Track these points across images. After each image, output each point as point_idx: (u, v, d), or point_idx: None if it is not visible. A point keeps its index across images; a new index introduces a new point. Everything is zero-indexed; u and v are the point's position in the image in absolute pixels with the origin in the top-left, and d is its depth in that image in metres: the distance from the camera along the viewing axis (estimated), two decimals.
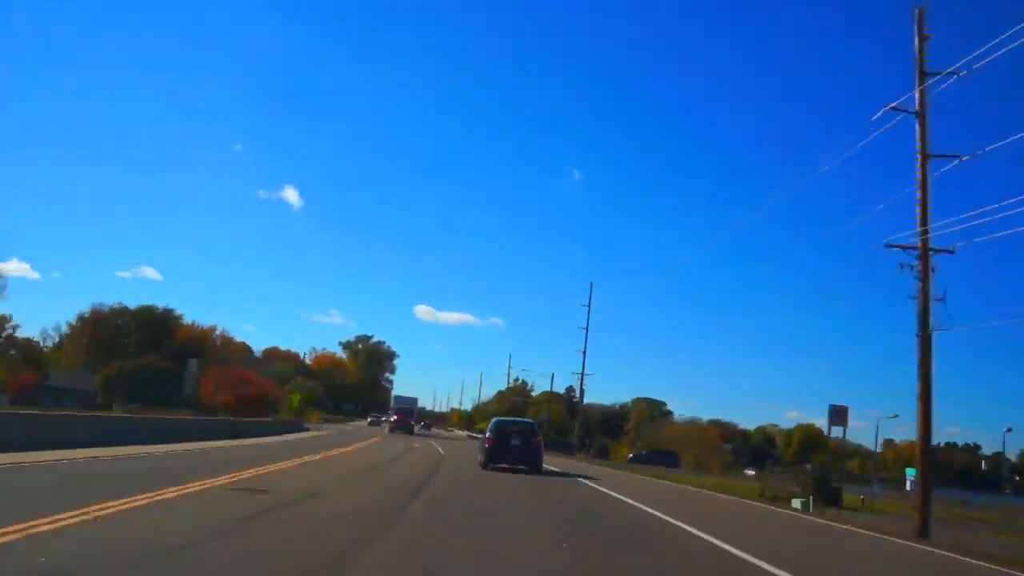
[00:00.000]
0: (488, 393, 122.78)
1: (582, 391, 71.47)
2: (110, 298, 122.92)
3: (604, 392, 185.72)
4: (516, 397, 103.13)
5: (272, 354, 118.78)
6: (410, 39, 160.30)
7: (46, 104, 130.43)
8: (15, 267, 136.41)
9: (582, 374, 66.26)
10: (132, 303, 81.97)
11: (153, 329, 78.94)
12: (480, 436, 30.81)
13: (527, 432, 24.40)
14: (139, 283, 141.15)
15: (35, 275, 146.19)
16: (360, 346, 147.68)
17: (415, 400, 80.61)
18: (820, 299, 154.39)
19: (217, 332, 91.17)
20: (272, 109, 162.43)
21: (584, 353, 64.70)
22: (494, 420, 27.30)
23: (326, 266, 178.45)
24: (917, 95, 17.81)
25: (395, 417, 64.90)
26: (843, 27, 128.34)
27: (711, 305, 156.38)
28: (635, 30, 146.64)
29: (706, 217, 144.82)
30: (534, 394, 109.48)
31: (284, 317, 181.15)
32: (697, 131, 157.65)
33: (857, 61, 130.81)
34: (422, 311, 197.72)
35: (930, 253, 17.48)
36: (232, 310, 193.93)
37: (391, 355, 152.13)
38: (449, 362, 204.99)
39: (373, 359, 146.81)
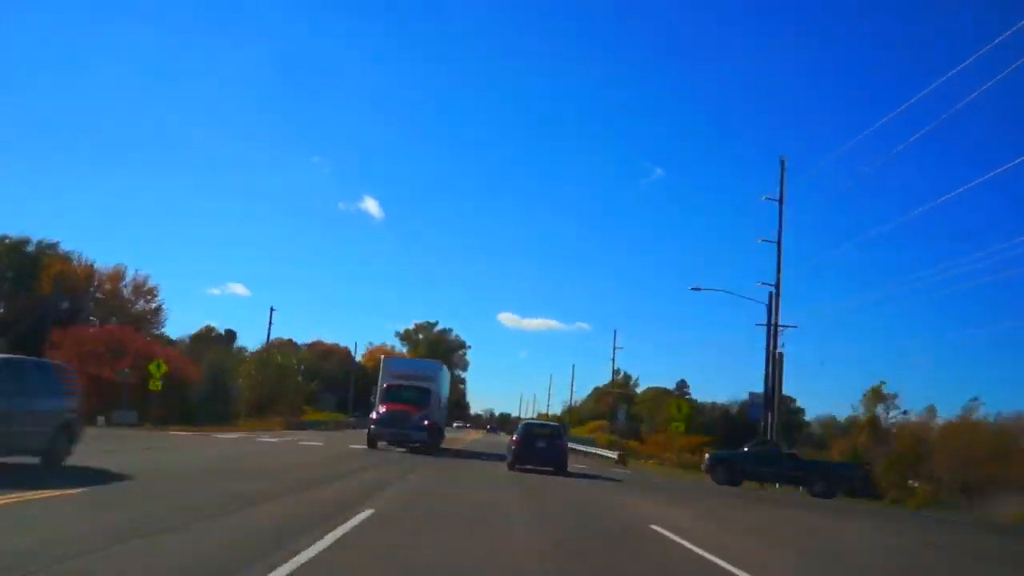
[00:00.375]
0: (583, 392, 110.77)
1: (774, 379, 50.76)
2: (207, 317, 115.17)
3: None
4: (617, 390, 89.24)
5: (314, 347, 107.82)
6: (481, 41, 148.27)
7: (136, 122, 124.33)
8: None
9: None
10: (223, 322, 69.37)
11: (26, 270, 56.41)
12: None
13: (553, 435, 25.62)
14: (228, 300, 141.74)
15: None
16: (420, 335, 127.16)
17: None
18: None
19: (127, 280, 59.80)
20: (347, 119, 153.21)
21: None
22: (522, 424, 29.14)
23: (409, 277, 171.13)
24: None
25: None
26: None
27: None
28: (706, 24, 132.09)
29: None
30: (638, 390, 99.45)
31: (374, 330, 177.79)
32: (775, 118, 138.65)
33: None
34: (506, 318, 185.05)
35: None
36: (323, 324, 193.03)
37: (460, 345, 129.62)
38: (536, 369, 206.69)
39: (437, 350, 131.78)
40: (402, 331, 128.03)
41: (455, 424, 79.65)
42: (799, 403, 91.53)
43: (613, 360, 74.52)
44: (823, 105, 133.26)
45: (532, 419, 33.27)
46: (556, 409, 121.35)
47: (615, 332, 78.14)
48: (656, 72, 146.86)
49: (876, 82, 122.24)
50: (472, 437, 71.09)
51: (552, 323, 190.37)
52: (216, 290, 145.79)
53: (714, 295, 54.11)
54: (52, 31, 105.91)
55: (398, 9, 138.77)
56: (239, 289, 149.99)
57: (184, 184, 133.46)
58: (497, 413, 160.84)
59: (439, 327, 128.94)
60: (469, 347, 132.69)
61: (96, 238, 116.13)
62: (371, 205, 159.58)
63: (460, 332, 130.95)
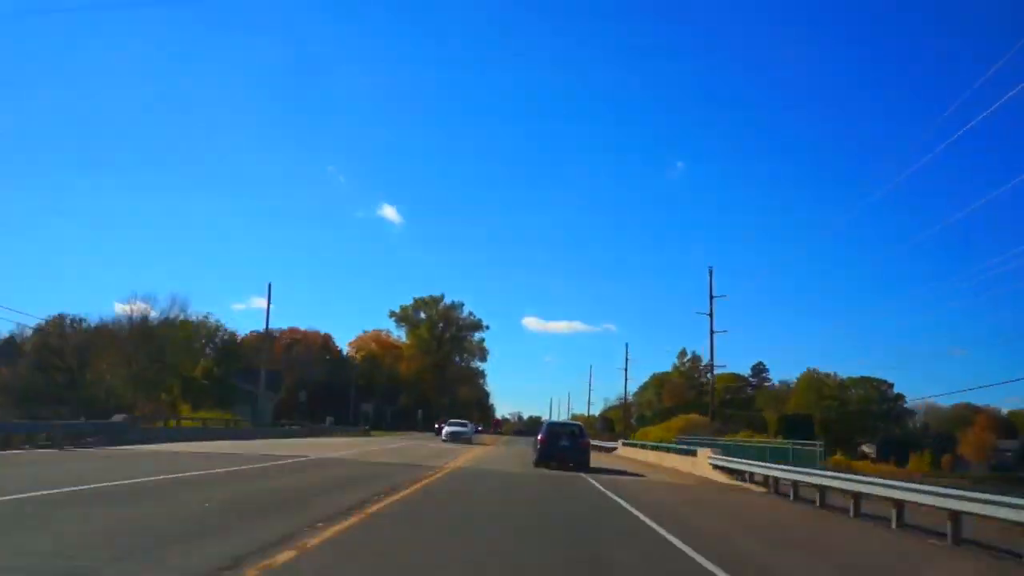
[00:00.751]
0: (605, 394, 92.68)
1: None
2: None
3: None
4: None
5: (290, 335, 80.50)
6: (494, 39, 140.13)
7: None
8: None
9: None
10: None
11: None
12: None
13: (576, 434, 26.46)
14: (254, 313, 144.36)
15: None
16: (422, 314, 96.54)
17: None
18: None
19: None
20: (362, 125, 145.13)
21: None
22: (545, 423, 30.67)
23: (430, 283, 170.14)
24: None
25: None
26: None
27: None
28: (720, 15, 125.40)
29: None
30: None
31: None
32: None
33: None
34: (531, 322, 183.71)
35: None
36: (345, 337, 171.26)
37: (475, 326, 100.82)
38: (564, 371, 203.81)
39: (445, 332, 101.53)
40: (398, 310, 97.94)
41: (447, 430, 49.62)
42: None
43: (711, 336, 44.98)
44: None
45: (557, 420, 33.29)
46: (596, 408, 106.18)
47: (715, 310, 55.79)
48: (680, 66, 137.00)
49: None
50: (471, 455, 32.42)
51: (578, 325, 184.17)
52: (241, 305, 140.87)
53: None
54: (54, 41, 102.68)
55: (409, 8, 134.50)
56: (262, 303, 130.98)
57: (200, 200, 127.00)
58: (526, 416, 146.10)
59: (446, 301, 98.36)
60: (487, 327, 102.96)
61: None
62: (390, 212, 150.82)
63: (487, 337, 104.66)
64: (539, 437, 26.00)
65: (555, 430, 26.58)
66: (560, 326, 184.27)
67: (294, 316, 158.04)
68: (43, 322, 47.69)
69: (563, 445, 25.12)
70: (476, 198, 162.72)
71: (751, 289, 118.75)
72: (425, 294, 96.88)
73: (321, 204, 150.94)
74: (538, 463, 24.73)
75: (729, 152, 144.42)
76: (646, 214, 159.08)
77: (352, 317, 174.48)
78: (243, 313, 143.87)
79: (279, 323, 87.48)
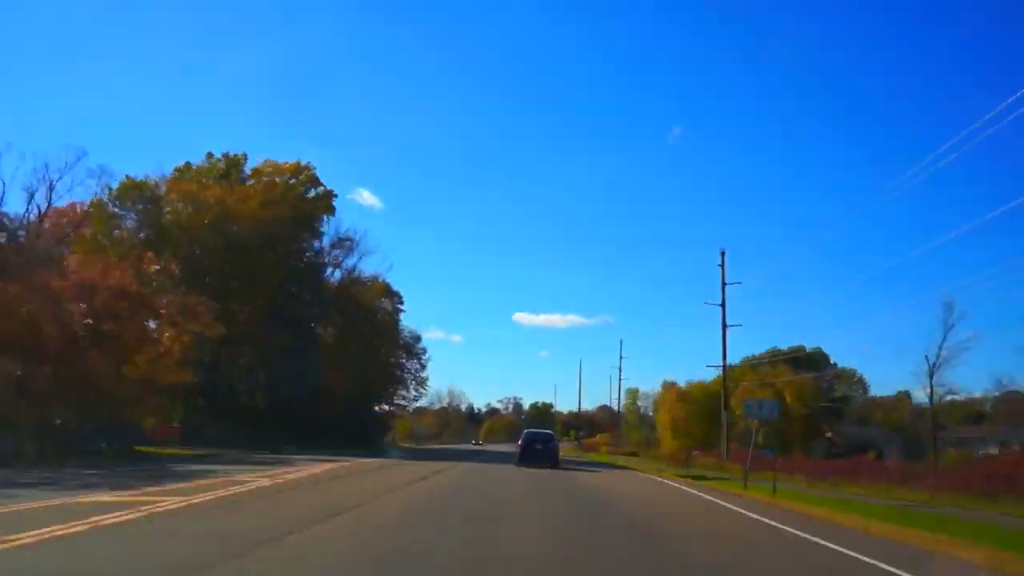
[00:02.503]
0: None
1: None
2: None
3: None
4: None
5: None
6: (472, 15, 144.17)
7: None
8: None
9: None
10: None
11: None
12: None
13: (548, 440, 33.65)
14: None
15: None
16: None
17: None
18: None
19: None
20: (340, 111, 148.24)
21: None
22: (525, 431, 36.41)
23: (420, 279, 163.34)
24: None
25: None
26: None
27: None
28: None
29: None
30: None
31: None
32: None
33: None
34: (522, 318, 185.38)
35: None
36: None
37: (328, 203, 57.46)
38: (559, 365, 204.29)
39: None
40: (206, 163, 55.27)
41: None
42: None
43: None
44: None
45: (534, 428, 40.89)
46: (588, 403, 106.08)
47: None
48: (653, 48, 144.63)
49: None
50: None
51: (572, 318, 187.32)
52: None
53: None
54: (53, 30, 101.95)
55: None
56: None
57: None
58: (527, 405, 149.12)
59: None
60: (334, 195, 58.85)
61: None
62: (367, 197, 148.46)
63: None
64: (519, 443, 33.19)
65: (533, 437, 33.56)
66: (555, 319, 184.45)
67: None
68: None
69: (537, 449, 32.03)
70: (460, 187, 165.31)
71: (769, 272, 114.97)
72: None
73: None
74: (519, 464, 31.25)
75: (730, 118, 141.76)
76: (639, 198, 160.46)
77: None
78: None
79: None
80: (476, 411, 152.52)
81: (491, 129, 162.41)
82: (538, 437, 33.83)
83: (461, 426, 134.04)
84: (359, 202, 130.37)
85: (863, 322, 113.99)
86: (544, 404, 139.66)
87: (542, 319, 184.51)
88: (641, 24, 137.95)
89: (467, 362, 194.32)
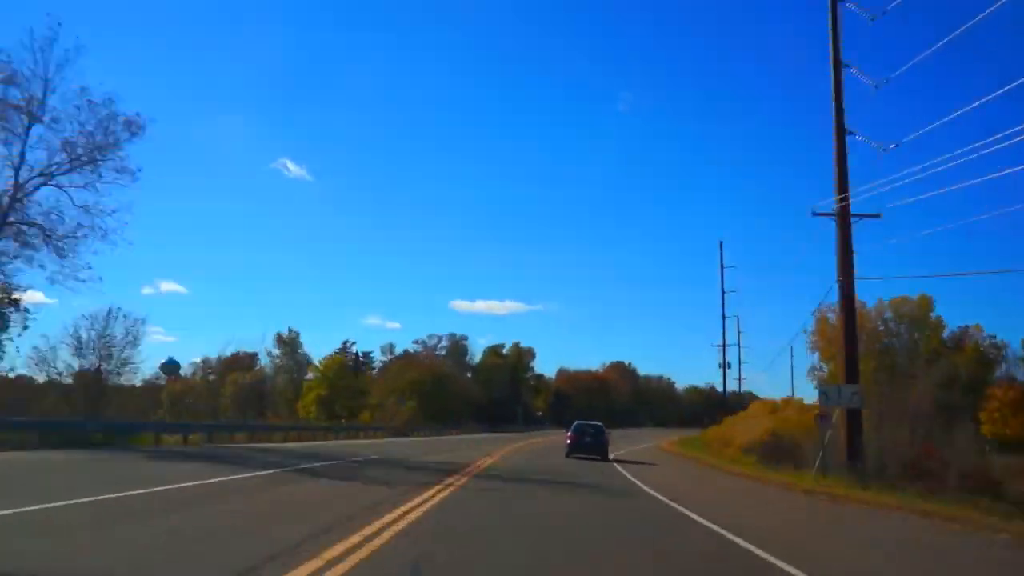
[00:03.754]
0: None
1: None
2: None
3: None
4: None
5: None
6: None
7: None
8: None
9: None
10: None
11: None
12: None
13: (598, 432, 32.86)
14: (167, 299, 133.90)
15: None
16: None
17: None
18: None
19: None
20: (280, 88, 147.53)
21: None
22: (576, 423, 34.76)
23: (355, 265, 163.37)
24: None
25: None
26: None
27: None
28: None
29: None
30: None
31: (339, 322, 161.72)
32: None
33: None
34: (460, 304, 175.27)
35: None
36: (269, 319, 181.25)
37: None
38: None
39: None
40: None
41: None
42: None
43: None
44: None
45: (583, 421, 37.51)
46: None
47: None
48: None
49: None
50: None
51: (511, 304, 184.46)
52: (149, 289, 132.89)
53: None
54: None
55: None
56: (175, 287, 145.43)
57: None
58: None
59: None
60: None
61: None
62: (292, 167, 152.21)
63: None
64: (569, 434, 33.17)
65: (582, 428, 33.01)
66: (493, 306, 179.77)
67: (209, 300, 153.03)
68: None
69: (587, 441, 32.02)
70: (396, 169, 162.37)
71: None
72: None
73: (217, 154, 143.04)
74: (569, 455, 31.23)
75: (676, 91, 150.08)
76: (583, 177, 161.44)
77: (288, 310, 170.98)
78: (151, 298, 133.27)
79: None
80: None
81: (427, 107, 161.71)
82: (588, 430, 33.25)
83: None
84: (284, 173, 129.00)
85: None
86: None
87: (480, 305, 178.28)
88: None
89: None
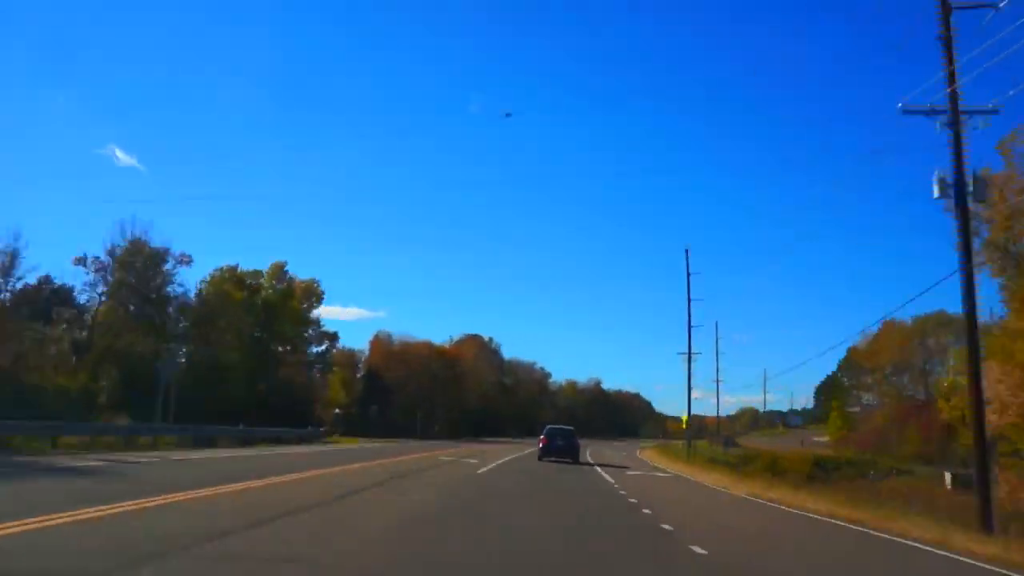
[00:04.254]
0: None
1: None
2: None
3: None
4: None
5: None
6: None
7: None
8: None
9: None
10: None
11: None
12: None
13: (569, 435, 33.89)
14: None
15: None
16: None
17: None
18: None
19: None
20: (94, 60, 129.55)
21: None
22: (547, 427, 36.38)
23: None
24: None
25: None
26: None
27: None
28: None
29: None
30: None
31: None
32: None
33: None
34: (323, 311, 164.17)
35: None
36: None
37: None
38: None
39: None
40: None
41: None
42: None
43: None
44: None
45: (554, 425, 38.61)
46: None
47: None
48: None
49: None
50: None
51: (356, 310, 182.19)
52: None
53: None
54: None
55: None
56: None
57: None
58: None
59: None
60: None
61: None
62: (120, 154, 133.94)
63: None
64: (541, 438, 34.00)
65: (554, 432, 34.06)
66: (337, 311, 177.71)
67: None
68: None
69: (559, 444, 32.69)
70: (230, 152, 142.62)
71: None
72: None
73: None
74: (541, 458, 32.21)
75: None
76: (430, 171, 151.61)
77: None
78: None
79: None
80: None
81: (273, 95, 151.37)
82: (559, 433, 34.28)
83: None
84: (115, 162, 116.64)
85: None
86: None
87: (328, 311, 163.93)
88: None
89: None
